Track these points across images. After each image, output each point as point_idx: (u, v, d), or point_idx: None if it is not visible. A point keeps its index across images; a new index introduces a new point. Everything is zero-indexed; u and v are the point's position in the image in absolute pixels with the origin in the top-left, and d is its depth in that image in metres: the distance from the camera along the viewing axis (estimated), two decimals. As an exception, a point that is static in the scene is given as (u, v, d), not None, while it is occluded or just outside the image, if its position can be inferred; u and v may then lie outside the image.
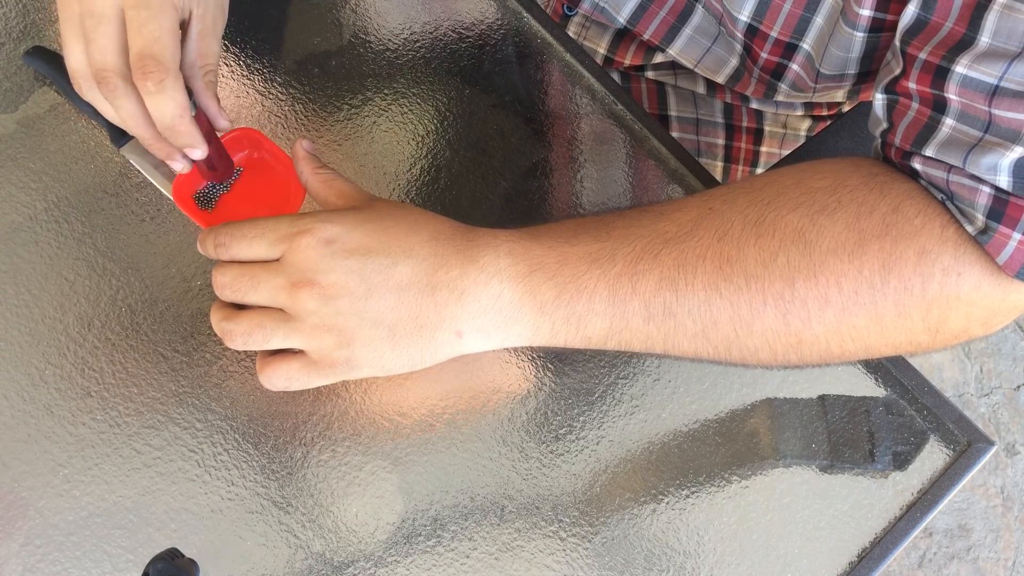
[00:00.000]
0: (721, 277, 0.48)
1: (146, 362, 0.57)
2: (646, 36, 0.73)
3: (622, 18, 0.73)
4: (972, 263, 0.47)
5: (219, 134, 0.55)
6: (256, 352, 0.53)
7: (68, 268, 0.58)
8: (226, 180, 0.58)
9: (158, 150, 0.53)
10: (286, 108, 0.63)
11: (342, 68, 0.65)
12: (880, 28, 0.55)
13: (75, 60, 0.50)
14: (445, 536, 0.55)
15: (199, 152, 0.52)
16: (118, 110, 0.50)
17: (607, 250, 0.49)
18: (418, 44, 0.66)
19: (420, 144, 0.63)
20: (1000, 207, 0.45)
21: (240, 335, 0.49)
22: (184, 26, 0.52)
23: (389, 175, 0.62)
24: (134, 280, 0.58)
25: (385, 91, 0.65)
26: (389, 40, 0.66)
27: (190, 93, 0.51)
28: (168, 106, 0.49)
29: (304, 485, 0.55)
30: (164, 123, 0.50)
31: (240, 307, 0.51)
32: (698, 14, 0.69)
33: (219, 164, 0.56)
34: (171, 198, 0.60)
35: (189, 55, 0.52)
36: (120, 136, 0.60)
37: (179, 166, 0.54)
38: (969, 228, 0.47)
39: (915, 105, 0.49)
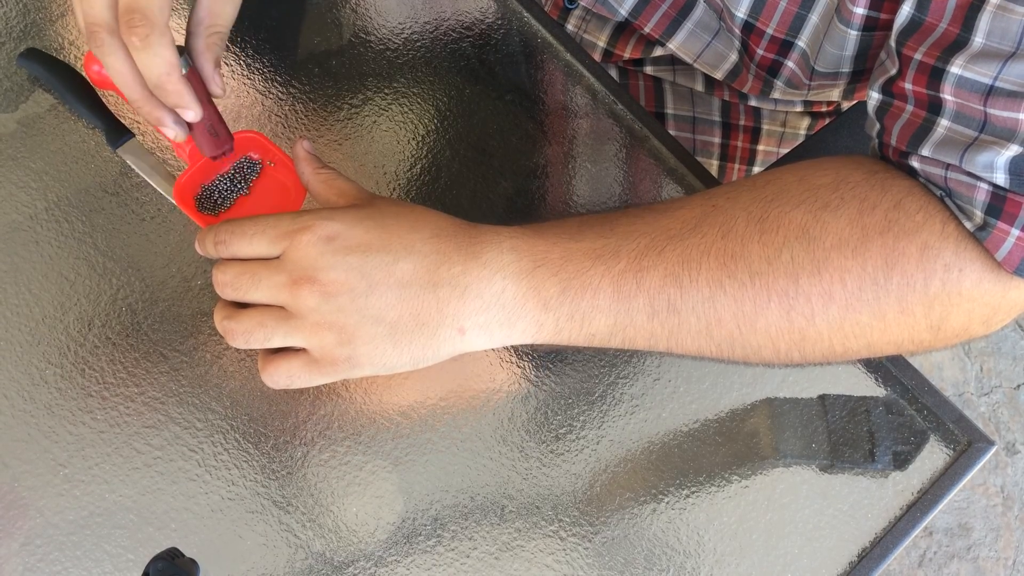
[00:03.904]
0: (725, 273, 0.48)
1: (146, 362, 0.57)
2: (647, 29, 0.73)
3: (624, 10, 0.73)
4: (973, 259, 0.47)
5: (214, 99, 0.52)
6: (258, 351, 0.53)
7: (68, 268, 0.58)
8: (227, 154, 0.56)
9: (147, 113, 0.50)
10: (286, 108, 0.63)
11: (342, 68, 0.65)
12: (874, 27, 0.55)
13: (79, 19, 0.48)
14: (445, 536, 0.55)
15: (191, 113, 0.50)
16: (107, 68, 0.48)
17: (611, 246, 0.49)
18: (418, 43, 0.66)
19: (420, 144, 0.63)
20: (998, 203, 0.46)
21: (241, 334, 0.49)
22: None
23: (389, 175, 0.62)
24: (134, 280, 0.58)
25: (385, 91, 0.65)
26: (389, 39, 0.66)
27: (184, 52, 0.49)
28: (154, 62, 0.47)
29: (304, 485, 0.55)
30: (152, 80, 0.48)
31: (243, 307, 0.51)
32: (699, 8, 0.69)
33: (220, 132, 0.53)
34: (169, 198, 0.60)
35: (198, 12, 0.50)
36: (116, 137, 0.60)
37: (172, 132, 0.51)
38: (968, 224, 0.47)
39: (910, 107, 0.49)
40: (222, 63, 0.52)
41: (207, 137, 0.53)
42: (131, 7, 0.45)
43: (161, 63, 0.47)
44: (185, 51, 0.50)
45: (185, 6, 0.66)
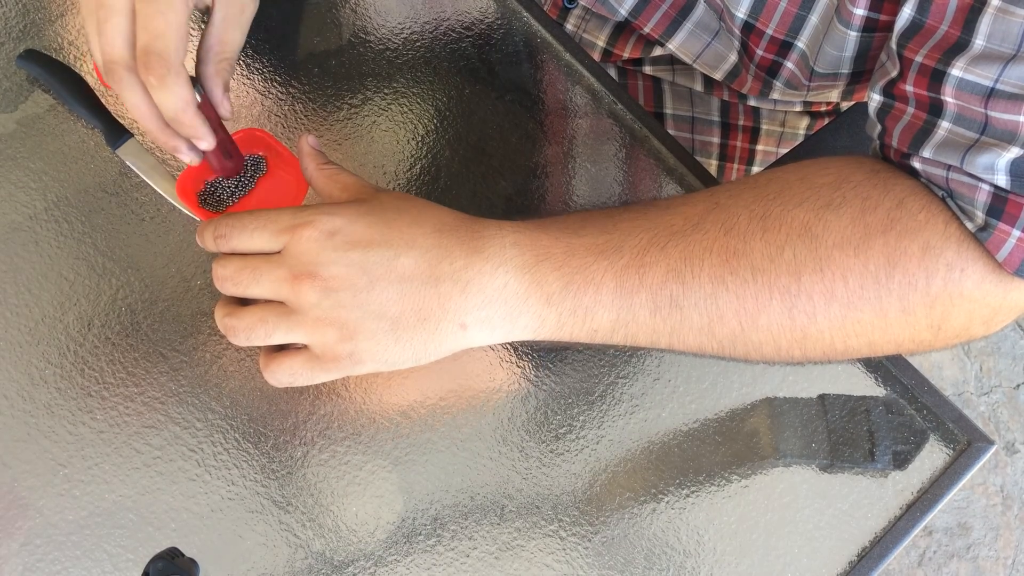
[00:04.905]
0: (728, 270, 0.48)
1: (146, 362, 0.57)
2: (647, 29, 0.73)
3: (624, 10, 0.73)
4: (975, 259, 0.47)
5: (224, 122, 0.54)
6: (259, 349, 0.53)
7: (68, 268, 0.58)
8: (237, 175, 0.58)
9: (164, 143, 0.52)
10: (286, 108, 0.63)
11: (342, 68, 0.65)
12: (873, 28, 0.55)
13: (95, 52, 0.50)
14: (445, 536, 0.55)
15: (205, 143, 0.51)
16: (124, 102, 0.50)
17: (614, 242, 0.49)
18: (418, 44, 0.66)
19: (420, 143, 0.63)
20: (999, 204, 0.46)
21: (243, 330, 0.49)
22: (209, 11, 0.51)
23: (389, 174, 0.62)
24: (134, 280, 0.58)
25: (385, 90, 0.65)
26: (389, 39, 0.66)
27: (195, 80, 0.51)
28: (171, 99, 0.48)
29: (304, 485, 0.55)
30: (168, 115, 0.49)
31: (245, 306, 0.51)
32: (699, 8, 0.69)
33: (233, 153, 0.55)
34: (167, 198, 0.60)
35: (208, 39, 0.51)
36: (115, 137, 0.60)
37: (187, 158, 0.53)
38: (969, 225, 0.47)
39: (911, 109, 0.49)
40: (230, 85, 0.54)
41: (220, 159, 0.55)
42: (148, 49, 0.47)
43: (177, 100, 0.48)
44: (196, 79, 0.51)
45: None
